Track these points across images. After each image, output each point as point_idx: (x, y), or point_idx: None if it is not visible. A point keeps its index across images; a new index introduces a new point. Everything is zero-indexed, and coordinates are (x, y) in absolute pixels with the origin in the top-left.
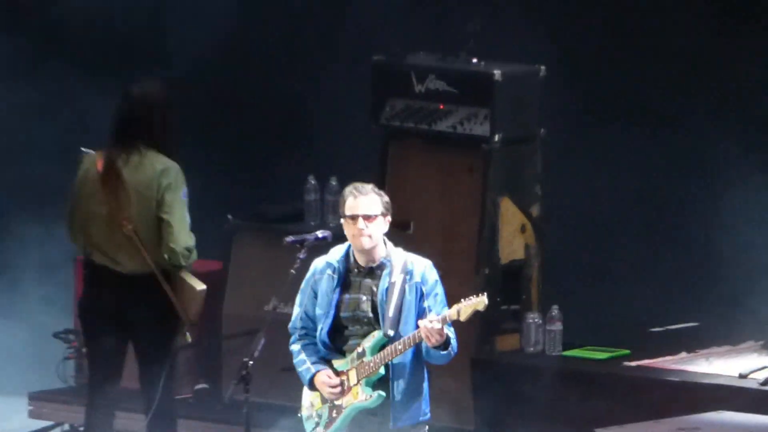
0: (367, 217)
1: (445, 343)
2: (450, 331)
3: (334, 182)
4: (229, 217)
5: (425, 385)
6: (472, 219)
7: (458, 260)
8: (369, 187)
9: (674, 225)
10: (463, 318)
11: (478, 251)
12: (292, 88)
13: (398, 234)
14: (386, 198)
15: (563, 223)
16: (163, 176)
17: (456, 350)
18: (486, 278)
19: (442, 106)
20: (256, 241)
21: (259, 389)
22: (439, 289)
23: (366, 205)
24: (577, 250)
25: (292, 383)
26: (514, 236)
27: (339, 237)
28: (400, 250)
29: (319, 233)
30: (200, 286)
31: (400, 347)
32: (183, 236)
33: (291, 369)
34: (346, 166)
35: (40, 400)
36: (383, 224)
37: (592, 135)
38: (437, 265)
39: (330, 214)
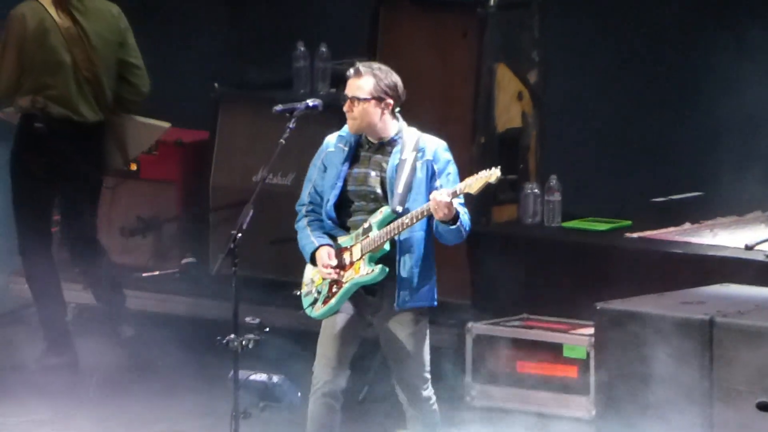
0: (354, 100)
1: (454, 218)
2: (461, 208)
3: (323, 49)
4: (216, 84)
5: (434, 268)
6: (467, 86)
7: (453, 128)
8: (371, 68)
9: (679, 91)
10: (474, 191)
11: (473, 119)
12: None
13: None
14: (388, 80)
15: (562, 90)
16: (120, 19)
17: (468, 227)
18: (482, 147)
19: None
20: (244, 109)
21: (247, 263)
22: (452, 169)
23: (353, 86)
24: (577, 118)
25: (281, 257)
26: (510, 104)
27: (329, 106)
28: (413, 129)
29: (310, 102)
30: (167, 124)
31: (407, 221)
32: (148, 78)
33: (280, 242)
34: (336, 32)
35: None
36: (373, 108)
37: None
38: (432, 134)
39: (320, 81)
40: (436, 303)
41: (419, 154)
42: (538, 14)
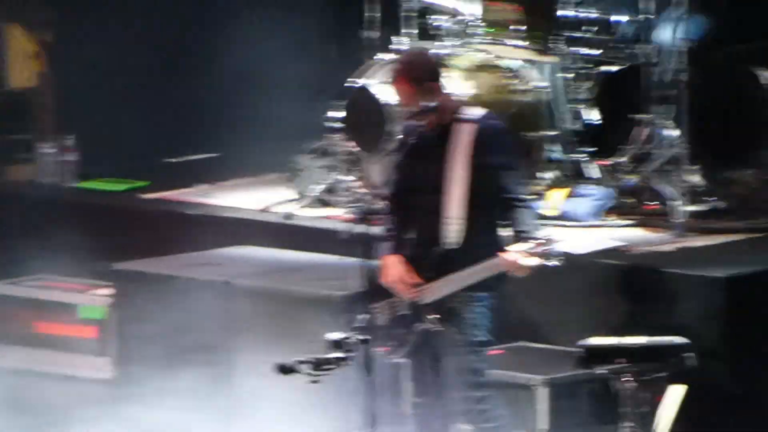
0: None
1: None
2: None
3: None
4: None
5: None
6: None
7: None
8: None
9: (192, 54)
10: None
11: None
12: None
13: None
14: None
15: (80, 50)
16: None
17: None
18: None
19: None
20: None
21: None
22: None
23: None
24: (94, 78)
25: None
26: (24, 63)
27: None
28: None
29: None
30: None
31: None
32: None
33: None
34: None
35: None
36: None
37: None
38: None
39: None
40: None
41: None
42: None
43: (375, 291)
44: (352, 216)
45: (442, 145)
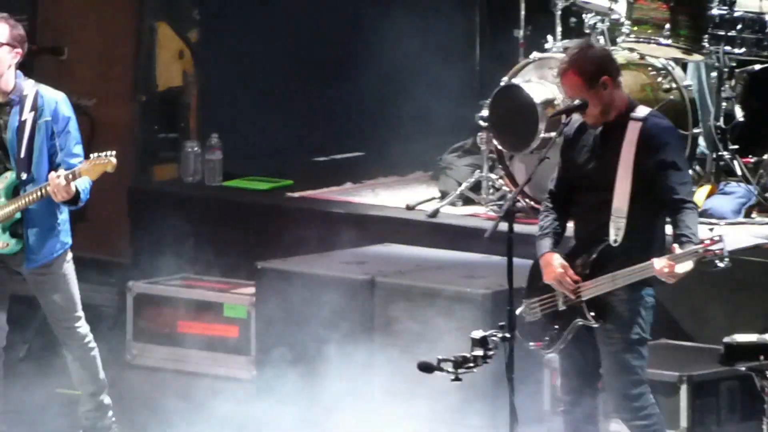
0: None
1: (75, 199)
2: (81, 184)
3: None
4: None
5: (59, 222)
6: (127, 44)
7: (113, 87)
8: (3, 17)
9: (337, 53)
10: (92, 177)
11: (133, 78)
12: None
13: (52, 59)
14: (20, 30)
15: (223, 49)
16: None
17: (84, 200)
18: (143, 106)
19: None
20: None
21: None
22: (72, 126)
23: None
24: (238, 77)
25: None
26: (171, 62)
27: None
28: (31, 82)
29: None
30: None
31: (30, 198)
32: None
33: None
34: None
35: None
36: (6, 55)
37: None
38: (91, 93)
39: None
40: (69, 243)
41: (38, 114)
42: None
43: (533, 287)
44: (497, 214)
45: (609, 142)
